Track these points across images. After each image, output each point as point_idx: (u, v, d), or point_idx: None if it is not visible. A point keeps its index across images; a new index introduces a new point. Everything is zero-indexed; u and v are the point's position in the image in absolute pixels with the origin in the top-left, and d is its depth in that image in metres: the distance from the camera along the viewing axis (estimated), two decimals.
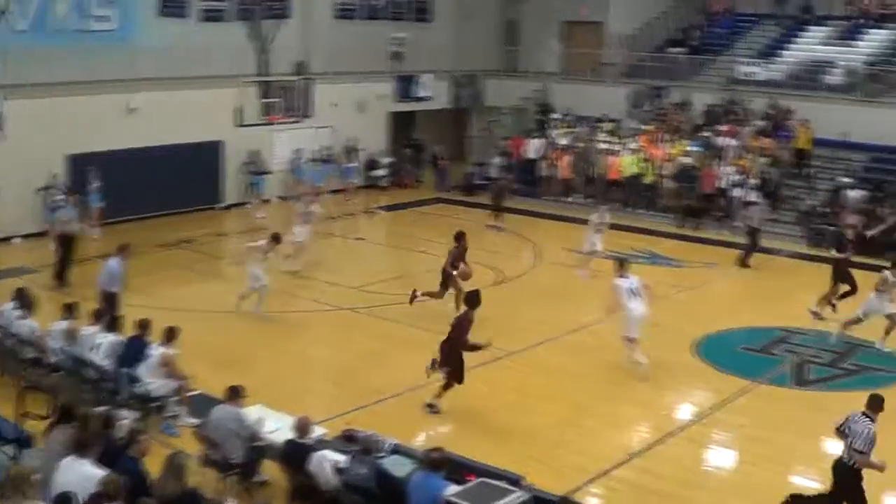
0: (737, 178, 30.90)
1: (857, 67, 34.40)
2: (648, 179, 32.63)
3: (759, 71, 36.18)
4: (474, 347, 15.43)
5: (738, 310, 22.80)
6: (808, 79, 35.03)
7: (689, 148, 32.93)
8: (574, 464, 14.10)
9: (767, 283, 25.39)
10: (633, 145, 33.70)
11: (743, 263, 26.33)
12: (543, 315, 20.95)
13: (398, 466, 11.44)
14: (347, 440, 12.42)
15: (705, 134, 33.62)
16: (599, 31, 40.01)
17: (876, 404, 11.89)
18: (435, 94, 38.64)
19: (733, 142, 32.63)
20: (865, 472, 11.98)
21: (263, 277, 20.28)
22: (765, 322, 21.53)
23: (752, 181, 30.65)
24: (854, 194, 29.48)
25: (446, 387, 15.58)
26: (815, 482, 14.04)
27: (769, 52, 37.47)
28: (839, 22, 38.02)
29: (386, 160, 36.94)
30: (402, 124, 39.01)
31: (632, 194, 32.91)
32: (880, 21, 37.14)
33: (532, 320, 20.75)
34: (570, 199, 33.75)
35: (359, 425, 13.20)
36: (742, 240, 27.19)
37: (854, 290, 21.59)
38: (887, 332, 19.51)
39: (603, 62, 39.35)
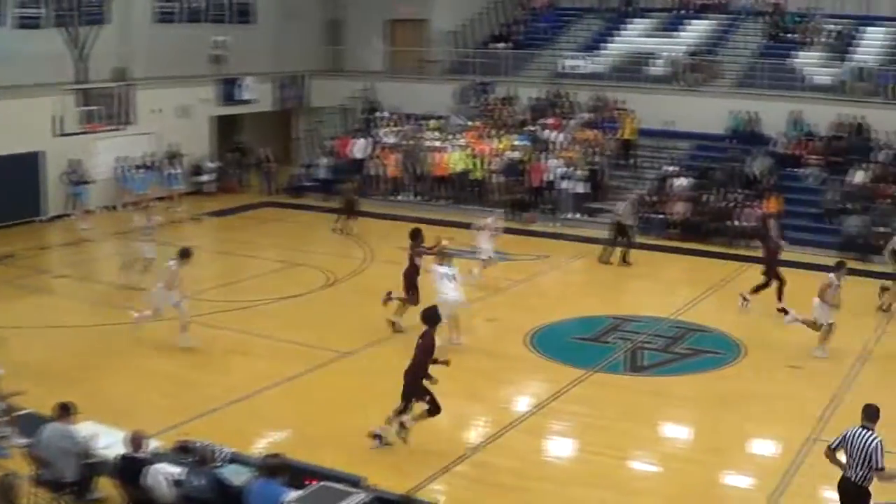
0: (564, 170, 30.84)
1: (679, 58, 34.92)
2: (476, 175, 32.28)
3: (583, 64, 36.39)
4: (442, 363, 14.30)
5: (570, 300, 22.67)
6: (632, 70, 35.44)
7: (515, 142, 32.80)
8: (414, 461, 13.68)
9: (598, 273, 25.38)
10: (460, 142, 33.36)
11: (624, 260, 25.90)
12: (376, 314, 20.30)
13: (236, 475, 11.06)
14: (183, 451, 11.83)
15: (532, 128, 33.61)
16: (424, 28, 39.68)
17: (872, 414, 10.99)
18: (260, 96, 37.58)
19: (560, 135, 32.64)
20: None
21: (174, 298, 18.58)
22: (596, 311, 21.42)
23: (580, 173, 30.66)
24: (680, 182, 29.78)
25: (402, 412, 14.15)
26: (653, 467, 13.94)
27: (592, 46, 37.77)
28: (661, 14, 38.75)
29: (211, 165, 35.69)
30: (227, 128, 37.81)
31: (460, 190, 32.52)
32: (701, 11, 37.99)
33: (365, 320, 20.07)
34: (399, 198, 33.14)
35: (195, 436, 12.51)
36: (608, 235, 26.60)
37: (768, 284, 21.50)
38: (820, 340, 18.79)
39: (428, 59, 39.06)
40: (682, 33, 37.07)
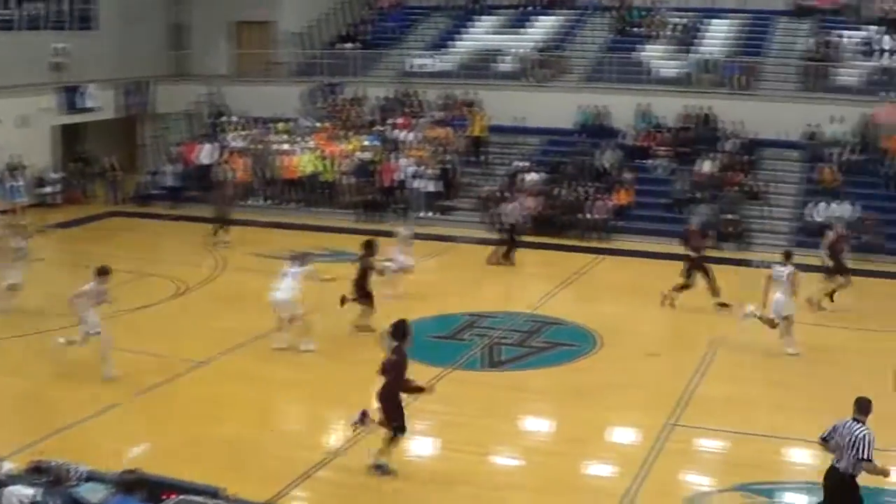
0: (415, 169, 30.64)
1: (527, 54, 35.08)
2: (327, 177, 31.78)
3: (432, 62, 36.28)
4: (417, 390, 13.35)
5: (426, 299, 22.32)
6: (481, 68, 35.46)
7: (365, 143, 32.48)
8: (274, 469, 13.21)
9: (452, 271, 25.28)
10: (309, 144, 32.80)
11: (507, 259, 25.50)
12: (229, 322, 19.70)
13: (93, 493, 10.47)
14: (37, 472, 11.07)
15: (381, 128, 33.31)
16: (270, 30, 38.95)
17: (864, 407, 10.99)
18: (103, 103, 36.22)
19: (409, 134, 32.43)
20: None
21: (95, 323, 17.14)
22: (453, 309, 21.19)
23: (431, 172, 30.51)
24: (531, 177, 29.88)
25: (392, 441, 13.18)
26: (516, 461, 13.80)
27: (440, 44, 37.75)
28: (508, 11, 38.97)
29: (54, 176, 34.26)
30: (71, 137, 36.40)
31: (311, 193, 31.97)
32: (548, 8, 38.37)
33: (218, 328, 19.46)
34: (249, 202, 32.36)
35: (49, 455, 11.75)
36: (497, 236, 26.41)
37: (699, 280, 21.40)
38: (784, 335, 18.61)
39: (275, 62, 38.38)
40: (529, 30, 37.36)
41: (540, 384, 17.00)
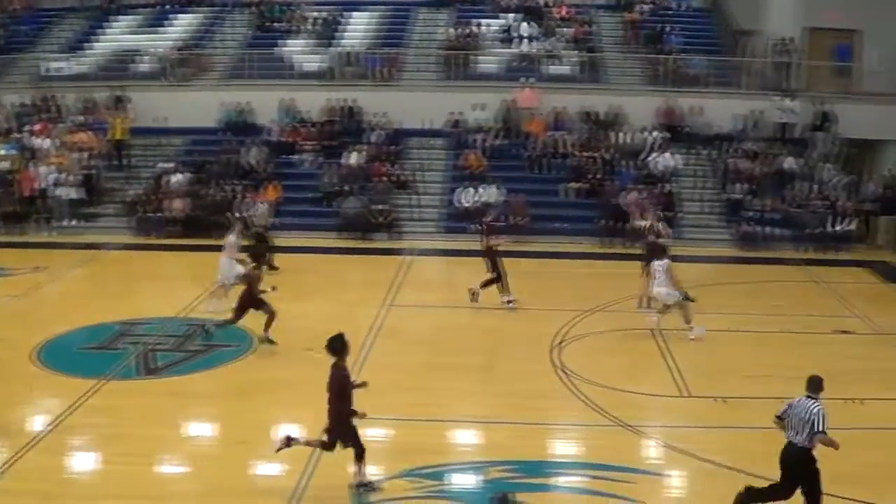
0: (57, 176, 29.15)
1: (167, 53, 34.21)
2: None
3: (68, 65, 34.59)
4: (353, 414, 12.45)
5: (75, 310, 21.25)
6: (120, 69, 34.16)
7: (2, 152, 30.50)
8: None
9: (101, 280, 24.27)
10: None
11: (270, 266, 24.15)
12: None
13: None
14: None
15: (18, 135, 31.34)
16: None
17: (816, 385, 11.52)
18: None
19: (48, 140, 30.75)
20: None
21: None
22: (104, 318, 20.19)
23: (73, 178, 29.14)
24: (177, 178, 29.16)
25: (359, 458, 12.52)
26: (182, 468, 13.46)
27: (76, 46, 36.05)
28: (146, 10, 37.90)
29: None
30: None
31: None
32: (187, 5, 37.67)
33: None
34: None
35: None
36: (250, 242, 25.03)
37: (500, 278, 20.99)
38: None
39: None
40: (168, 28, 36.48)
41: (200, 388, 16.54)
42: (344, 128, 31.45)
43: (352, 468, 12.54)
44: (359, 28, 35.68)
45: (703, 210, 29.16)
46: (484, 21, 35.29)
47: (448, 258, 26.51)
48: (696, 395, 16.09)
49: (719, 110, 31.90)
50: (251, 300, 18.23)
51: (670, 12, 37.31)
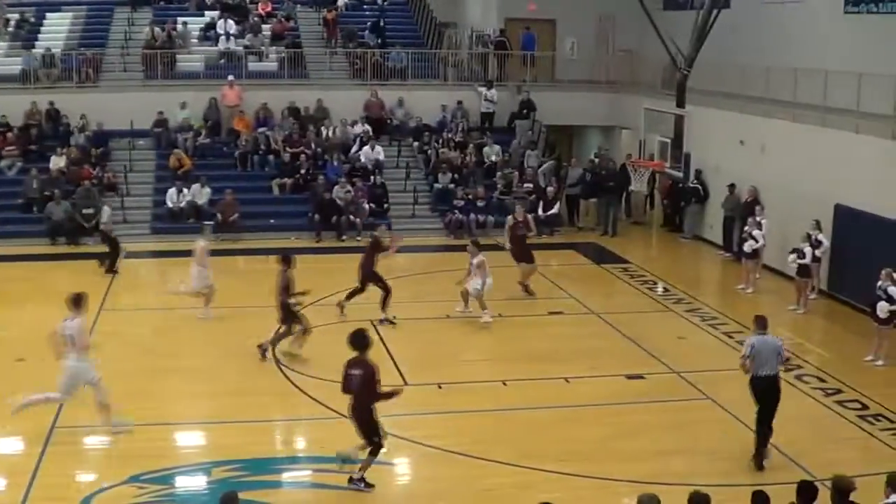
0: None
1: None
2: None
3: None
4: (388, 396, 12.83)
5: None
6: None
7: None
8: None
9: None
10: None
11: (110, 269, 23.68)
12: None
13: None
14: None
15: None
16: None
17: (763, 322, 13.79)
18: None
19: None
20: None
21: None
22: None
23: None
24: None
25: (372, 456, 12.74)
26: None
27: None
28: None
29: None
30: None
31: None
32: None
33: None
34: None
35: None
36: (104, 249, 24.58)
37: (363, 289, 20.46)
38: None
39: None
40: None
41: None
42: (46, 131, 30.35)
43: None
44: (59, 29, 34.40)
45: (413, 200, 30.07)
46: (188, 19, 34.88)
47: (159, 259, 26.26)
48: (414, 382, 16.76)
49: (424, 102, 33.04)
50: None
51: (366, 8, 38.18)
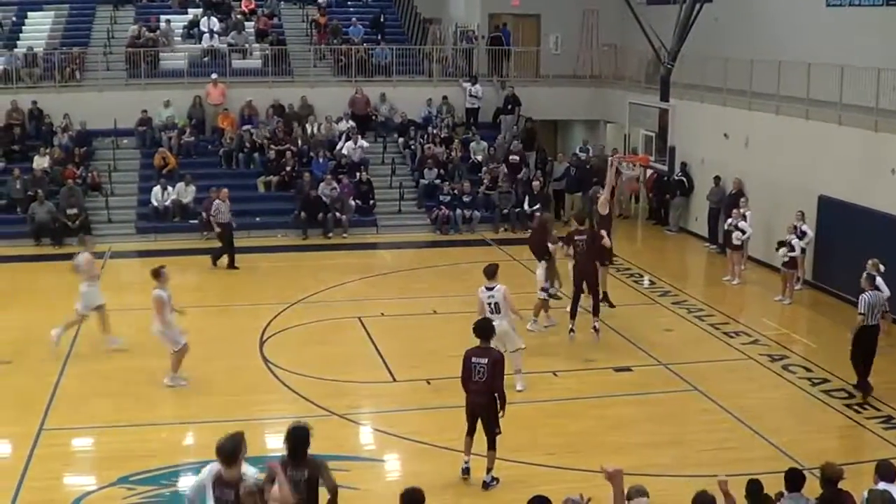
0: None
1: None
2: None
3: None
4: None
5: None
6: None
7: None
8: None
9: None
10: None
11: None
12: None
13: None
14: None
15: None
16: None
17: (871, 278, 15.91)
18: None
19: None
20: None
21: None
22: None
23: None
24: None
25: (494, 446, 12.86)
26: None
27: None
28: None
29: None
30: None
31: None
32: None
33: None
34: None
35: None
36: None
37: None
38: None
39: None
40: None
41: None
42: (29, 131, 30.23)
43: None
44: (41, 28, 34.24)
45: (399, 196, 30.07)
46: (171, 17, 34.79)
47: (145, 259, 26.07)
48: (403, 379, 16.81)
49: (409, 98, 33.03)
50: None
51: (350, 5, 38.19)
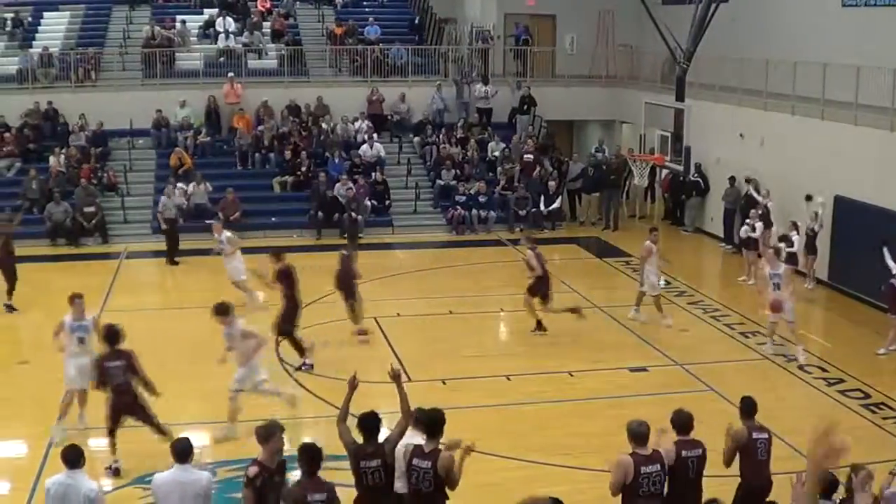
0: None
1: None
2: None
3: None
4: None
5: None
6: None
7: None
8: None
9: None
10: None
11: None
12: None
13: None
14: None
15: None
16: None
17: None
18: None
19: None
20: None
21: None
22: None
23: None
24: None
25: None
26: None
27: None
28: None
29: None
30: None
31: None
32: None
33: None
34: None
35: None
36: None
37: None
38: None
39: None
40: None
41: None
42: (45, 131, 30.36)
43: None
44: (56, 28, 34.39)
45: (415, 197, 30.07)
46: (185, 17, 34.89)
47: (160, 259, 26.15)
48: (418, 379, 16.79)
49: (425, 98, 33.01)
50: None
51: (366, 5, 38.25)
